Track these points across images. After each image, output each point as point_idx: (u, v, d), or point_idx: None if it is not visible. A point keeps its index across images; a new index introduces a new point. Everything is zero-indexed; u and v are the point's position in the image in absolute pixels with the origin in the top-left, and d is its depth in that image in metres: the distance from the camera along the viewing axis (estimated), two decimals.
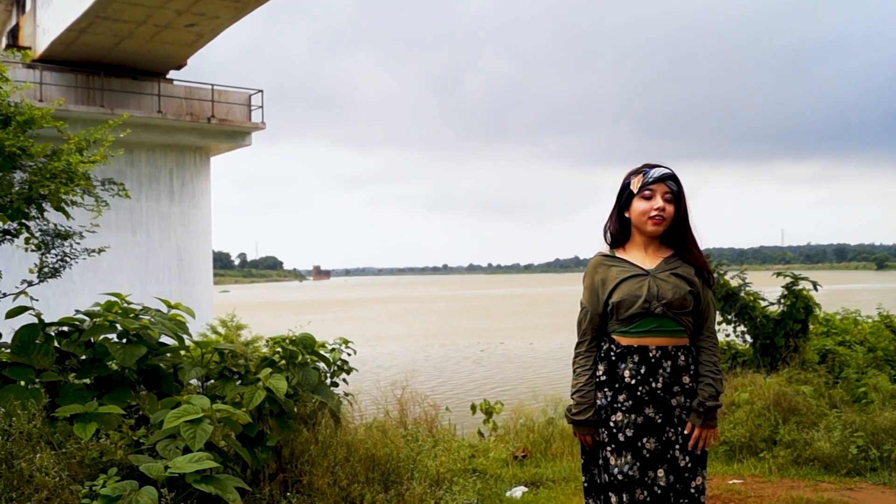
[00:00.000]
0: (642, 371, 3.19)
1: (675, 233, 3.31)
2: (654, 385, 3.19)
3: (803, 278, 9.63)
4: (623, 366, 3.22)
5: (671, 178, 3.28)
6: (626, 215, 3.35)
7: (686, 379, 3.22)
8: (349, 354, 6.81)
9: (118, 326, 4.57)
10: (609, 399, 3.24)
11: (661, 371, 3.19)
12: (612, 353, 3.26)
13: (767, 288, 9.70)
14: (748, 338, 9.78)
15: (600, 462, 3.28)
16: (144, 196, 24.08)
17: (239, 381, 4.62)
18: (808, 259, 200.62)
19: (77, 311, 4.79)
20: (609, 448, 3.23)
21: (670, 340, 3.21)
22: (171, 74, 25.67)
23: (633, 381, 3.20)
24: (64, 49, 22.96)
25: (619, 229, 3.40)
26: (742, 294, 9.77)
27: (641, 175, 3.31)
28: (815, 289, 9.59)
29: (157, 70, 24.83)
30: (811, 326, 9.63)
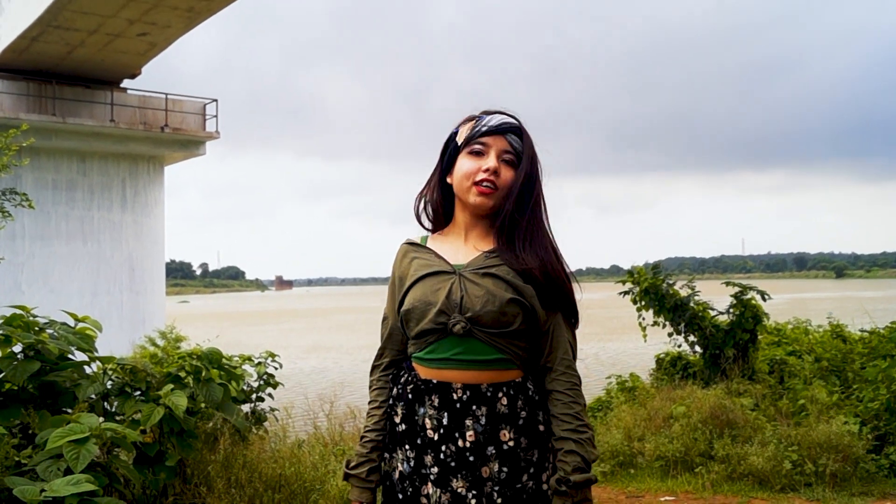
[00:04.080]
0: (444, 420, 2.05)
1: (511, 215, 2.12)
2: (461, 444, 2.04)
3: (751, 287, 9.57)
4: (422, 410, 2.10)
5: (515, 132, 2.16)
6: (449, 181, 2.21)
7: (507, 435, 2.04)
8: (276, 368, 6.62)
9: (13, 341, 4.33)
10: (413, 462, 2.10)
11: (469, 422, 2.04)
12: (408, 391, 2.14)
13: (724, 298, 9.59)
14: (698, 348, 9.69)
15: None
16: (96, 205, 23.70)
17: (142, 398, 4.41)
18: (768, 268, 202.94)
19: None
20: None
21: (482, 376, 2.05)
22: (128, 83, 25.36)
23: (436, 436, 2.06)
24: (16, 57, 22.62)
25: (443, 202, 2.26)
26: (691, 304, 9.68)
27: (474, 122, 2.19)
28: (764, 299, 9.52)
29: (111, 79, 24.49)
30: (760, 336, 9.56)
